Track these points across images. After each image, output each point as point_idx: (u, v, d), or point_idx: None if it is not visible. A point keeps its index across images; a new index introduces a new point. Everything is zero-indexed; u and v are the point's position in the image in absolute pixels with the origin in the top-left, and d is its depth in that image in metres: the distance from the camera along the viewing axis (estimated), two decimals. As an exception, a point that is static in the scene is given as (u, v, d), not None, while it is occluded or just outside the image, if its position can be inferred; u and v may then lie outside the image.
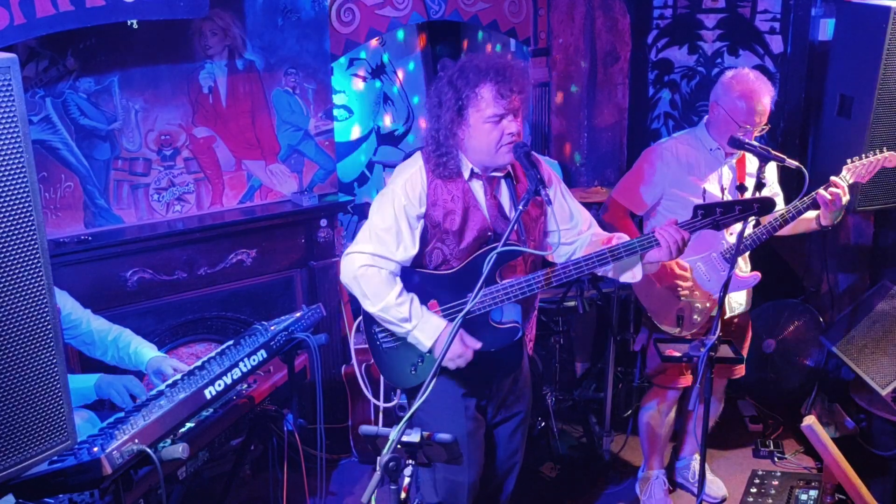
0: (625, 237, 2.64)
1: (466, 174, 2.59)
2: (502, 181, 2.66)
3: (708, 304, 3.37)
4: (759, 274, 3.34)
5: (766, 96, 3.12)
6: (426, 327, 2.53)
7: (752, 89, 3.12)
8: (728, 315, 3.43)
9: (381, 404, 3.64)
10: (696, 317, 3.38)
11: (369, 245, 2.55)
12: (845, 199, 3.12)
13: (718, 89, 3.22)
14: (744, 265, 3.39)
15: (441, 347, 2.36)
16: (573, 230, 2.74)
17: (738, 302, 3.46)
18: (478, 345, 2.54)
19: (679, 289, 3.30)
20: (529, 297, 2.69)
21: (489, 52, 5.16)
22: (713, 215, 2.55)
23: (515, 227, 2.49)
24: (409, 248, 2.56)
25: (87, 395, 2.78)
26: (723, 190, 3.29)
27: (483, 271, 2.26)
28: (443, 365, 2.44)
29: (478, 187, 2.61)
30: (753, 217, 2.62)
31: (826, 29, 4.23)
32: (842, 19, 3.71)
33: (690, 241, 2.64)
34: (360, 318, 2.78)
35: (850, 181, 3.16)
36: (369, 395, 3.73)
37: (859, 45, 3.46)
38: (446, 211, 2.56)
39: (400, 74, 5.20)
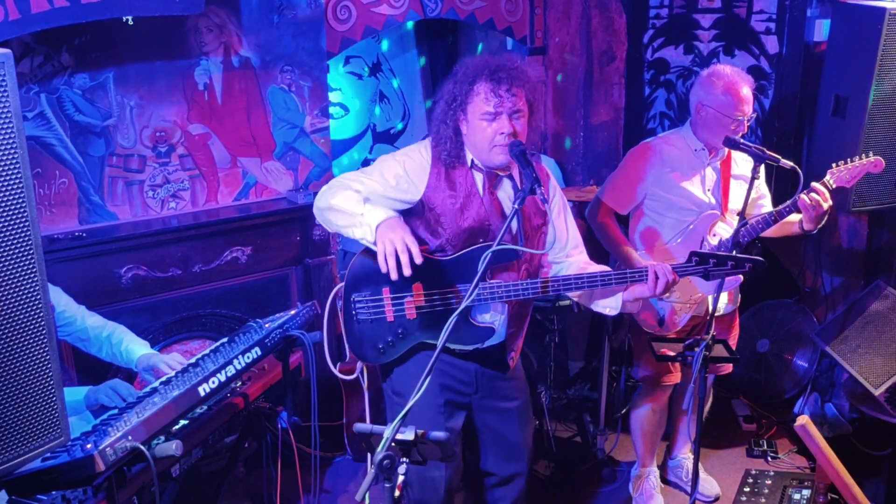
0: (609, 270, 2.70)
1: (469, 164, 2.64)
2: (504, 180, 2.68)
3: (688, 305, 3.37)
4: (740, 276, 3.34)
5: (745, 85, 3.15)
6: (376, 213, 2.53)
7: (733, 81, 3.15)
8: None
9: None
10: (676, 317, 3.39)
11: (350, 178, 2.65)
12: (826, 204, 3.08)
13: (699, 90, 3.23)
14: None
15: (382, 230, 2.47)
16: (561, 252, 2.78)
17: (722, 301, 3.46)
18: (416, 245, 2.48)
19: None
20: (520, 308, 2.73)
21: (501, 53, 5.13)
22: (705, 265, 2.65)
23: (514, 230, 2.51)
24: (378, 204, 2.62)
25: (78, 408, 2.78)
26: (705, 191, 3.29)
27: (478, 269, 2.25)
28: (375, 247, 2.48)
29: (478, 179, 2.65)
30: (741, 274, 2.67)
31: (822, 30, 4.24)
32: (837, 20, 3.71)
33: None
34: (341, 283, 2.76)
35: (834, 186, 3.14)
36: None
37: (854, 45, 3.47)
38: (446, 195, 2.61)
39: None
